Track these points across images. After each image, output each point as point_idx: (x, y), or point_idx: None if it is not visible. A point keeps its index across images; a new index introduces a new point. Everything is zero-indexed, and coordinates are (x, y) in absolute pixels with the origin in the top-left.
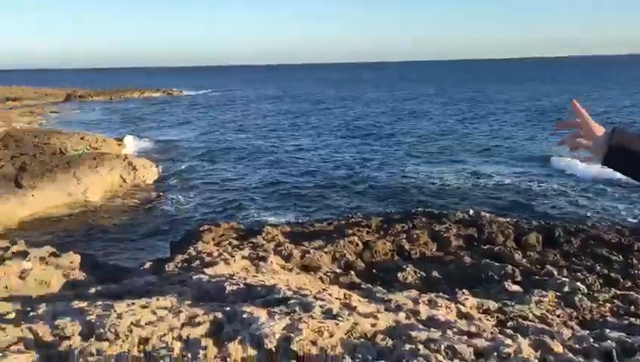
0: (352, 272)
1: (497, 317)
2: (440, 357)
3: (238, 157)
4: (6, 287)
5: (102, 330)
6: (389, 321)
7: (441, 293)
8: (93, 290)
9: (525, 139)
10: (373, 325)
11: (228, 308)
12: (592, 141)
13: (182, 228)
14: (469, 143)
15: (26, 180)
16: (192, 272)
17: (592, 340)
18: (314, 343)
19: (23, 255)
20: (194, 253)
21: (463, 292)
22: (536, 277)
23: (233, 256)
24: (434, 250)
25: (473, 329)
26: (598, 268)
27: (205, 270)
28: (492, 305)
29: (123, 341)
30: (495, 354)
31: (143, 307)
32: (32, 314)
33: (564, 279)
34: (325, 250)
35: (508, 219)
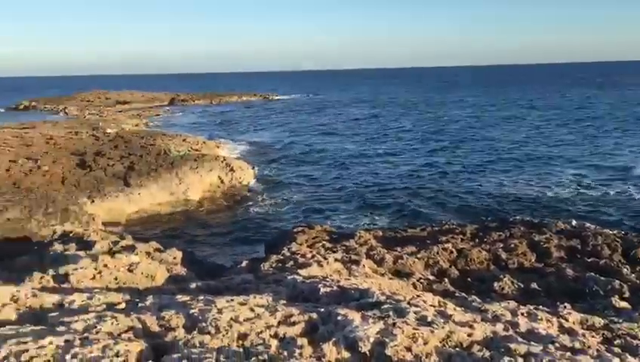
0: (446, 280)
1: (603, 334)
2: None
3: (331, 160)
4: (115, 279)
5: (204, 324)
6: (486, 332)
7: (540, 306)
8: (194, 285)
9: (630, 150)
10: (469, 335)
11: (322, 310)
12: None
13: (276, 229)
14: (566, 151)
15: (133, 179)
16: (286, 272)
17: None
18: (408, 349)
19: (131, 249)
20: (288, 254)
21: (565, 306)
22: None
23: (326, 259)
24: (533, 260)
25: (577, 345)
26: None
27: (299, 271)
28: (597, 321)
29: (223, 335)
30: None
31: (242, 304)
32: (140, 305)
33: None
34: (418, 256)
35: (615, 232)
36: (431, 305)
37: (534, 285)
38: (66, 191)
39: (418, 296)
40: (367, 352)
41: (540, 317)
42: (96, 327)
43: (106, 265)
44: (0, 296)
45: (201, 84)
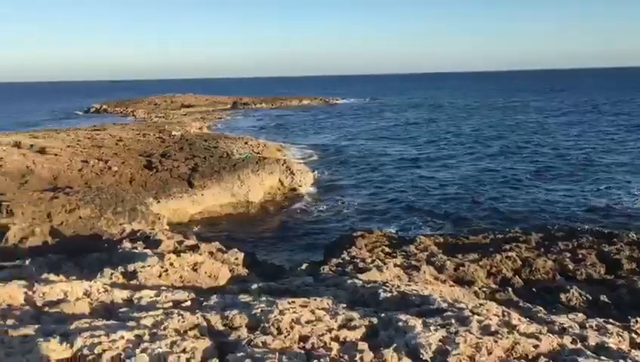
0: (509, 289)
1: None
2: None
3: (391, 164)
4: (180, 277)
5: (266, 325)
6: (553, 344)
7: (611, 319)
8: (255, 286)
9: None
10: (535, 346)
11: (383, 315)
12: None
13: (335, 233)
14: (638, 159)
15: (197, 180)
16: (346, 276)
17: None
18: (471, 359)
19: (195, 249)
20: (347, 258)
21: (637, 321)
22: None
23: (386, 264)
24: (602, 272)
25: None
26: None
27: (359, 275)
28: None
29: (285, 336)
30: None
31: (303, 306)
32: (204, 303)
33: None
34: (480, 263)
35: None
36: (494, 315)
37: (604, 297)
38: (134, 191)
39: (481, 304)
40: (429, 360)
41: (610, 332)
42: (163, 324)
43: (171, 264)
44: (74, 291)
45: (263, 87)
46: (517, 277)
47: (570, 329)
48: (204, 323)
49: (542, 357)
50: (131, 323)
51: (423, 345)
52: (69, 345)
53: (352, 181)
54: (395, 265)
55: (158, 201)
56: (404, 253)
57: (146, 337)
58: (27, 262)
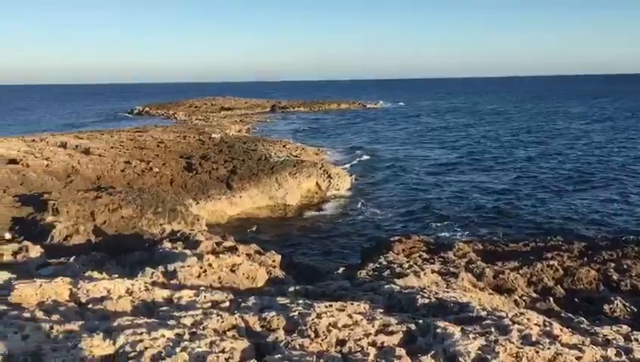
0: (551, 298)
1: None
2: None
3: (428, 169)
4: (219, 278)
5: (303, 327)
6: (597, 356)
7: None
8: (292, 289)
9: None
10: (577, 358)
11: (421, 321)
12: None
13: (372, 237)
14: None
15: (235, 182)
16: (383, 281)
17: None
18: None
19: (233, 250)
20: (385, 263)
21: None
22: None
23: (423, 269)
24: None
25: None
26: None
27: (396, 280)
28: None
29: (322, 339)
30: None
31: (340, 310)
32: (242, 305)
33: None
34: (520, 271)
35: None
36: (535, 324)
37: None
38: (174, 192)
39: (521, 313)
40: None
41: None
42: (203, 323)
43: (210, 265)
44: (117, 289)
45: (302, 91)
46: (558, 286)
47: (615, 342)
48: (243, 324)
49: None
50: (172, 322)
51: (461, 352)
52: (111, 341)
53: (389, 185)
54: (433, 271)
55: (197, 202)
56: (442, 259)
57: (186, 336)
58: (72, 259)
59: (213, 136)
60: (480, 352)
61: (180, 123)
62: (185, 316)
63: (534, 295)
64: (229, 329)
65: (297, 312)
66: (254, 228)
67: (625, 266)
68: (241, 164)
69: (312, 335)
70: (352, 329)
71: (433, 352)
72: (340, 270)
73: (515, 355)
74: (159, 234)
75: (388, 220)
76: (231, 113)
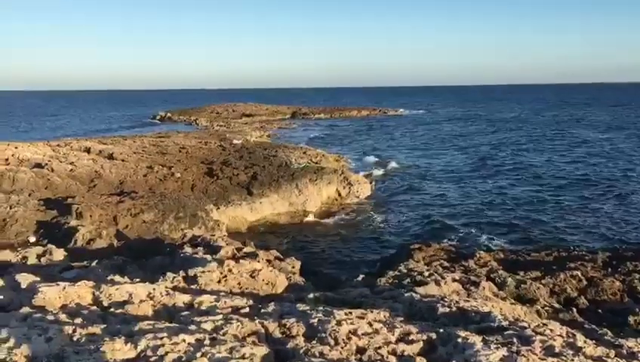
0: (574, 309)
1: None
2: None
3: (449, 176)
4: (239, 283)
5: (323, 334)
6: None
7: None
8: (311, 295)
9: None
10: None
11: (442, 330)
12: None
13: (392, 245)
14: None
15: (256, 188)
16: (403, 289)
17: None
18: None
19: (253, 256)
20: (404, 271)
21: None
22: None
23: (444, 278)
24: None
25: None
26: None
27: (416, 288)
28: None
29: (342, 347)
30: None
31: (360, 318)
32: (262, 311)
33: None
34: (543, 281)
35: None
36: (558, 335)
37: None
38: (195, 197)
39: (544, 324)
40: None
41: None
42: (223, 329)
43: (230, 270)
44: (138, 293)
45: (323, 98)
46: (582, 297)
47: None
48: (262, 331)
49: None
50: (192, 327)
51: None
52: (133, 345)
53: (410, 192)
54: (454, 280)
55: (218, 208)
56: (462, 268)
57: (207, 342)
58: (94, 263)
59: (234, 142)
60: None
61: (202, 129)
62: (205, 321)
63: (557, 305)
64: (248, 335)
65: (317, 319)
66: (274, 234)
67: None
68: (262, 170)
69: (332, 343)
70: (372, 338)
71: None
72: (360, 277)
73: None
74: (180, 239)
75: (408, 228)
76: (252, 119)
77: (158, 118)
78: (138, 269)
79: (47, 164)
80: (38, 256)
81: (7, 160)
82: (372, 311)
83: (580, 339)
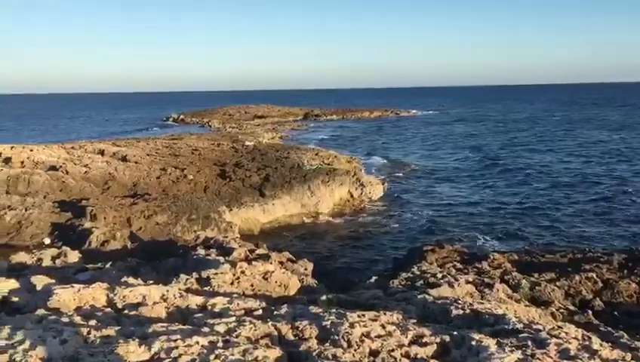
0: (589, 312)
1: None
2: None
3: (461, 177)
4: (252, 285)
5: (336, 337)
6: None
7: None
8: (324, 297)
9: None
10: None
11: (455, 333)
12: None
13: (405, 246)
14: None
15: (268, 190)
16: (416, 291)
17: None
18: None
19: (266, 258)
20: (417, 272)
21: None
22: None
23: (457, 280)
24: None
25: None
26: None
27: (429, 290)
28: None
29: (355, 350)
30: None
31: (373, 320)
32: (275, 313)
33: None
34: (558, 283)
35: None
36: (574, 338)
37: None
38: (208, 199)
39: (559, 326)
40: None
41: None
42: (236, 331)
43: (243, 272)
44: (152, 295)
45: (335, 99)
46: (597, 299)
47: None
48: (275, 333)
49: None
50: (205, 329)
51: None
52: (147, 347)
53: (422, 193)
54: (467, 282)
55: (231, 210)
56: (476, 270)
57: (220, 344)
58: (108, 265)
59: (246, 143)
60: None
61: (214, 131)
62: (218, 323)
63: (572, 308)
64: (261, 338)
65: (330, 321)
66: (287, 236)
67: None
68: (274, 172)
69: (345, 345)
70: (385, 340)
71: None
72: (373, 279)
73: None
74: (193, 240)
75: (420, 229)
76: (264, 121)
77: (170, 119)
78: (151, 271)
79: (61, 167)
80: (53, 258)
81: (22, 162)
82: (385, 313)
83: (596, 342)
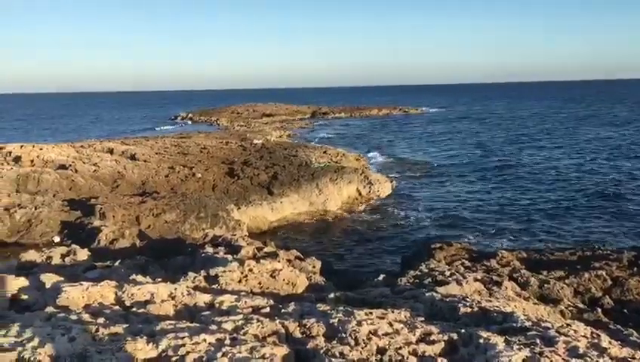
0: (599, 309)
1: None
2: None
3: (471, 175)
4: (259, 283)
5: (343, 335)
6: None
7: None
8: (332, 295)
9: None
10: None
11: (463, 331)
12: None
13: (413, 244)
14: None
15: (276, 188)
16: (423, 289)
17: None
18: None
19: (274, 256)
20: (425, 270)
21: None
22: None
23: (465, 278)
24: None
25: None
26: None
27: (437, 288)
28: None
29: (362, 348)
30: None
31: (380, 318)
32: (282, 310)
33: None
34: (567, 281)
35: None
36: (582, 336)
37: None
38: (216, 197)
39: (568, 324)
40: None
41: None
42: (243, 329)
43: (251, 270)
44: (160, 293)
45: (343, 97)
46: (607, 297)
47: None
48: (283, 331)
49: None
50: (213, 327)
51: None
52: (155, 345)
53: (430, 191)
54: (476, 280)
55: (239, 208)
56: (484, 267)
57: (227, 341)
58: (117, 263)
59: (254, 142)
60: None
61: (223, 129)
62: (226, 321)
63: (581, 305)
64: (269, 335)
65: (337, 319)
66: (295, 234)
67: None
68: (282, 170)
69: (352, 343)
70: (392, 338)
71: None
72: (381, 277)
73: None
74: (201, 238)
75: (428, 227)
76: (272, 119)
77: (179, 118)
78: (160, 269)
79: (71, 165)
80: (62, 256)
81: (32, 161)
82: (393, 311)
83: (605, 340)
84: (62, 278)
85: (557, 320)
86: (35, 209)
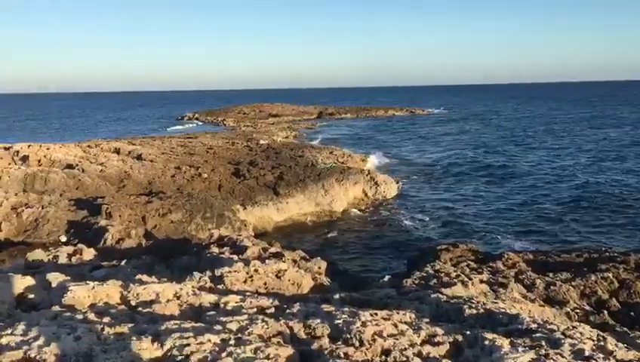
0: (605, 312)
1: None
2: None
3: (478, 176)
4: (265, 284)
5: (348, 336)
6: None
7: None
8: (337, 296)
9: None
10: None
11: (468, 332)
12: None
13: (418, 245)
14: None
15: (282, 188)
16: (429, 290)
17: None
18: None
19: (279, 256)
20: (431, 272)
21: None
22: None
23: (471, 279)
24: None
25: None
26: None
27: (443, 290)
28: None
29: (367, 349)
30: None
31: (385, 319)
32: (287, 311)
33: None
34: (573, 283)
35: None
36: (588, 339)
37: None
38: (222, 197)
39: (574, 326)
40: None
41: None
42: (248, 329)
43: (256, 270)
44: (166, 293)
45: (349, 98)
46: (614, 299)
47: None
48: (287, 331)
49: None
50: (218, 327)
51: None
52: (159, 345)
53: (437, 192)
54: (481, 281)
55: (245, 208)
56: (490, 269)
57: (232, 342)
58: (123, 262)
59: (260, 142)
60: None
61: (229, 129)
62: (231, 321)
63: (588, 308)
64: (274, 336)
65: (342, 320)
66: (300, 235)
67: None
68: (288, 171)
69: (357, 344)
70: (397, 339)
71: None
72: (386, 278)
73: None
74: (207, 239)
75: (435, 228)
76: (278, 120)
77: (186, 118)
78: (166, 269)
79: (78, 165)
80: (69, 256)
81: (39, 161)
82: (398, 313)
83: (611, 343)
84: (68, 277)
85: (563, 322)
86: (42, 208)
